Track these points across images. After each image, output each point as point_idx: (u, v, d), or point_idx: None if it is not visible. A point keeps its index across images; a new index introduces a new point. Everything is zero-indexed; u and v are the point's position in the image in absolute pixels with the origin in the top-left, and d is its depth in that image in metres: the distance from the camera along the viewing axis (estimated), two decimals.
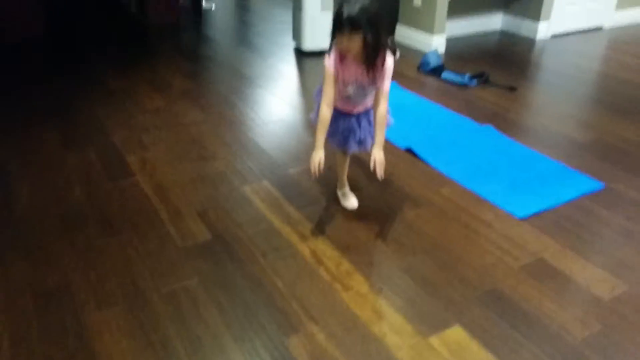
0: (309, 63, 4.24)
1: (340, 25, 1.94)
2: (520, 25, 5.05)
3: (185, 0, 5.77)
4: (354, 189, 2.47)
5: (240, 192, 2.51)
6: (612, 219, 2.38)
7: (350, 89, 2.09)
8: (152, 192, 2.49)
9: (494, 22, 5.17)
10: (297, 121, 3.26)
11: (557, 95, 3.72)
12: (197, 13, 5.45)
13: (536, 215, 2.39)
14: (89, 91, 3.56)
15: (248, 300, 1.89)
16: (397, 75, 3.96)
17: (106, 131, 3.04)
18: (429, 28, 4.46)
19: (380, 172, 2.02)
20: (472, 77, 3.83)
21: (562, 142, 3.06)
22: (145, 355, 1.67)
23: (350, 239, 2.22)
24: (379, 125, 2.08)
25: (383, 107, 2.07)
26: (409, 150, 2.88)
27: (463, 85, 3.80)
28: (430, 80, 3.92)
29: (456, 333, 1.78)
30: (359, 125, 2.20)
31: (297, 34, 4.38)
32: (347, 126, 2.20)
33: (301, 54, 4.36)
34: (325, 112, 2.05)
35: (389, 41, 2.03)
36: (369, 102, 2.16)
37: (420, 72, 4.05)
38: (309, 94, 3.69)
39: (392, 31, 1.90)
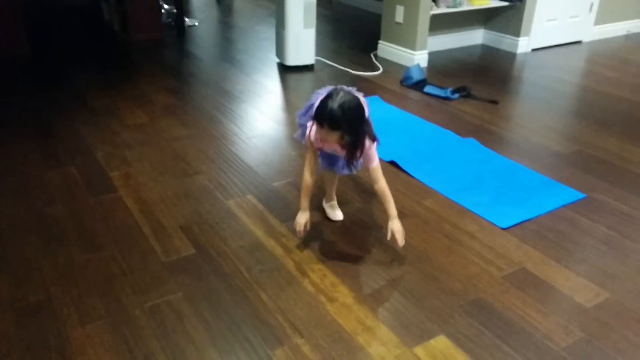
0: (293, 78, 4.27)
1: (321, 120, 1.94)
2: (501, 41, 5.13)
3: (168, 17, 5.78)
4: (339, 202, 2.48)
5: (224, 207, 2.51)
6: (593, 229, 2.41)
7: (333, 152, 2.16)
8: (135, 207, 2.48)
9: (475, 37, 5.25)
10: (281, 136, 3.27)
11: (538, 108, 3.78)
12: (180, 30, 5.46)
13: (518, 225, 2.41)
14: (71, 109, 3.55)
15: (232, 314, 1.88)
16: (380, 89, 4.02)
17: (88, 148, 3.02)
18: (411, 43, 4.51)
19: (401, 242, 2.07)
20: (454, 91, 3.88)
21: (543, 153, 3.10)
22: None
23: (335, 251, 2.22)
24: (386, 200, 2.11)
25: (381, 183, 2.09)
26: (393, 163, 2.90)
27: (445, 99, 3.84)
28: (413, 94, 3.96)
29: (441, 343, 1.78)
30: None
31: (280, 50, 4.41)
32: (333, 158, 2.25)
33: (284, 69, 4.39)
34: (308, 179, 2.12)
35: (367, 134, 2.02)
36: None
37: (403, 86, 4.09)
38: (293, 109, 3.71)
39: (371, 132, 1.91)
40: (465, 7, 4.76)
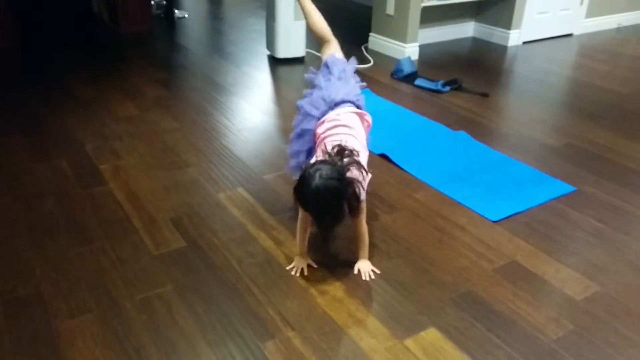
0: (283, 70, 4.25)
1: (301, 203, 1.88)
2: (491, 33, 5.13)
3: (157, 8, 5.74)
4: None
5: (214, 199, 2.50)
6: (583, 221, 2.42)
7: None
8: (125, 200, 2.47)
9: (466, 30, 5.24)
10: (272, 128, 3.26)
11: (528, 101, 3.78)
12: (170, 22, 5.43)
13: (509, 218, 2.42)
14: (60, 101, 3.52)
15: (223, 307, 1.88)
16: (370, 82, 4.01)
17: (78, 140, 3.00)
18: (402, 36, 4.50)
19: (366, 277, 2.04)
20: (445, 84, 3.87)
21: (534, 146, 3.11)
22: None
23: (326, 244, 2.22)
24: (362, 244, 2.07)
25: (363, 229, 2.03)
26: (384, 156, 2.89)
27: (436, 92, 3.84)
28: (404, 87, 3.95)
29: (432, 335, 1.79)
30: None
31: (270, 42, 4.39)
32: None
33: (275, 61, 4.37)
34: (301, 223, 2.04)
35: (354, 204, 1.91)
36: None
37: (394, 79, 4.08)
38: (284, 101, 3.70)
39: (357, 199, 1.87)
40: (456, 0, 4.76)
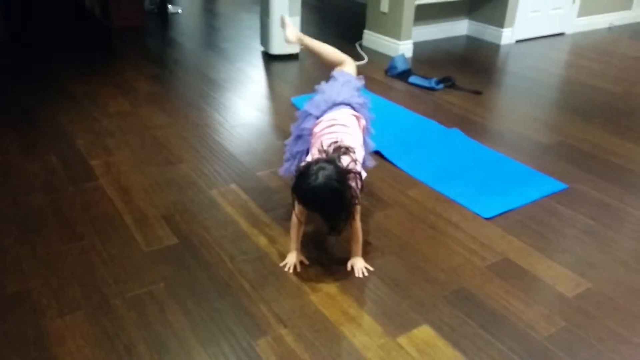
0: (277, 67, 4.24)
1: (297, 198, 1.87)
2: (485, 32, 5.14)
3: (150, 4, 5.71)
4: None
5: (207, 196, 2.48)
6: (575, 219, 2.42)
7: None
8: (116, 196, 2.45)
9: (459, 28, 5.25)
10: (265, 124, 3.25)
11: (521, 99, 3.79)
12: (164, 17, 5.40)
13: (502, 215, 2.42)
14: (51, 96, 3.49)
15: (215, 304, 1.86)
16: (365, 79, 3.98)
17: (69, 136, 2.98)
18: (396, 33, 4.50)
19: (359, 274, 2.04)
20: (438, 81, 3.88)
21: (527, 144, 3.11)
22: None
23: (319, 241, 2.21)
24: (356, 240, 2.06)
25: (355, 224, 2.03)
26: (377, 153, 2.89)
27: (430, 89, 3.84)
28: (398, 84, 3.95)
29: (424, 332, 1.79)
30: None
31: (264, 38, 4.38)
32: None
33: (269, 58, 4.36)
34: (296, 218, 2.03)
35: (350, 207, 1.89)
36: None
37: (388, 76, 4.08)
38: (277, 98, 3.69)
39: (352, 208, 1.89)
40: None
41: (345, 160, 1.86)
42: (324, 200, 1.81)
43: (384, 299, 1.92)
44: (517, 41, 5.13)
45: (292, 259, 2.07)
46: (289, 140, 2.30)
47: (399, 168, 2.77)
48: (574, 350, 1.73)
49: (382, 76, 4.09)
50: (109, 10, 5.00)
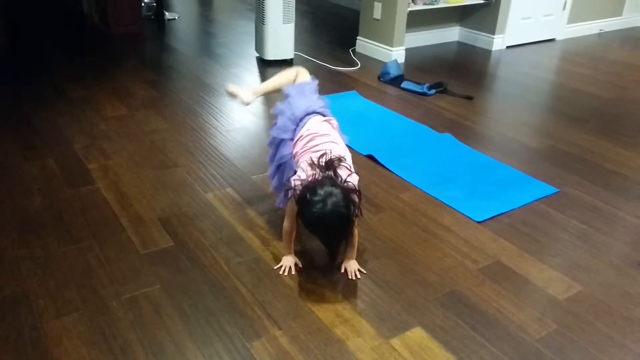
0: (272, 72, 4.24)
1: (307, 227, 1.85)
2: (476, 38, 5.19)
3: (147, 10, 5.73)
4: None
5: (203, 199, 2.50)
6: (566, 222, 2.46)
7: None
8: (113, 199, 2.47)
9: (451, 34, 5.30)
10: (260, 129, 3.27)
11: (512, 104, 3.83)
12: (160, 23, 5.42)
13: (493, 219, 2.45)
14: (49, 100, 3.50)
15: (211, 306, 1.88)
16: (358, 85, 4.04)
17: (67, 140, 2.99)
18: (388, 39, 4.54)
19: (353, 277, 2.05)
20: (431, 87, 3.91)
21: (518, 149, 3.15)
22: None
23: (313, 244, 2.23)
24: (352, 246, 2.06)
25: (353, 229, 2.00)
26: (370, 157, 2.92)
27: (422, 95, 3.88)
28: (391, 90, 3.98)
29: (417, 335, 1.81)
30: None
31: (259, 44, 4.41)
32: None
33: (264, 63, 4.39)
34: (289, 227, 2.04)
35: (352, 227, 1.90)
36: None
37: (381, 81, 4.12)
38: (272, 103, 3.69)
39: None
40: (441, 5, 4.81)
41: (343, 174, 1.85)
42: (330, 227, 1.80)
43: (377, 301, 1.95)
44: (508, 47, 5.18)
45: (286, 261, 2.09)
46: (269, 172, 2.25)
47: (392, 172, 2.80)
48: (565, 353, 1.76)
49: (375, 82, 4.12)
50: (107, 16, 5.02)
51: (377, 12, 4.56)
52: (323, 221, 1.77)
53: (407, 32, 4.62)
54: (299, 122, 2.12)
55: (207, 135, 3.13)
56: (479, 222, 2.42)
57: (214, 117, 3.37)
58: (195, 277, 2.02)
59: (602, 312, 1.94)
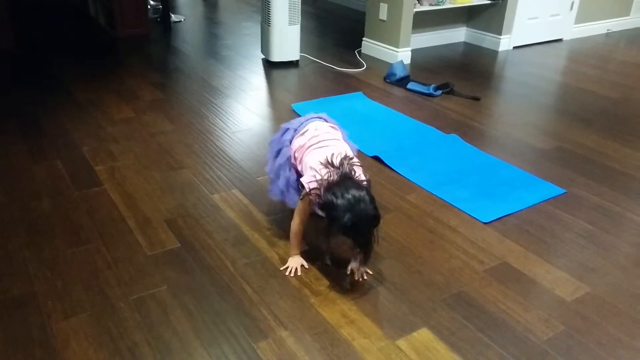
0: (278, 74, 4.27)
1: (345, 235, 1.83)
2: (483, 39, 5.18)
3: (154, 13, 5.76)
4: None
5: (209, 201, 2.51)
6: (573, 223, 2.45)
7: None
8: (120, 201, 2.48)
9: (457, 35, 5.29)
10: (266, 131, 3.28)
11: (519, 105, 3.82)
12: (166, 26, 5.44)
13: (500, 220, 2.44)
14: (56, 103, 3.53)
15: (217, 307, 1.89)
16: (364, 86, 4.04)
17: (74, 142, 3.01)
18: (394, 40, 4.54)
19: (359, 278, 2.04)
20: (437, 88, 3.91)
21: (525, 149, 3.14)
22: None
23: (319, 245, 2.23)
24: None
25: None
26: (377, 158, 2.92)
27: (428, 96, 3.88)
28: (397, 91, 3.98)
29: (423, 336, 1.81)
30: None
31: (265, 46, 4.42)
32: None
33: (269, 65, 4.40)
34: (298, 227, 2.06)
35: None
36: None
37: (387, 82, 4.11)
38: (278, 104, 3.72)
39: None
40: (448, 5, 4.81)
41: (358, 171, 1.90)
42: (366, 230, 1.82)
43: (384, 302, 1.95)
44: (515, 47, 5.17)
45: (293, 262, 2.09)
46: (269, 156, 2.28)
47: (398, 173, 2.80)
48: (572, 354, 1.75)
49: (381, 83, 4.12)
50: (114, 19, 5.05)
51: (383, 13, 4.56)
52: (359, 225, 1.79)
53: (413, 33, 4.62)
54: (304, 121, 2.19)
55: (213, 137, 3.14)
56: (485, 223, 2.41)
57: (220, 119, 3.38)
58: (202, 278, 2.02)
59: (609, 314, 1.93)
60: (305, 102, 3.63)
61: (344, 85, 4.03)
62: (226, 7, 6.58)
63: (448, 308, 1.93)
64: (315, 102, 3.64)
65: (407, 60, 4.57)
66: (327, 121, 2.22)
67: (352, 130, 2.27)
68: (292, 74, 4.26)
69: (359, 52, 4.81)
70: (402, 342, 1.78)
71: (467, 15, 5.24)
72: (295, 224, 2.06)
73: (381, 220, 1.88)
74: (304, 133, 2.13)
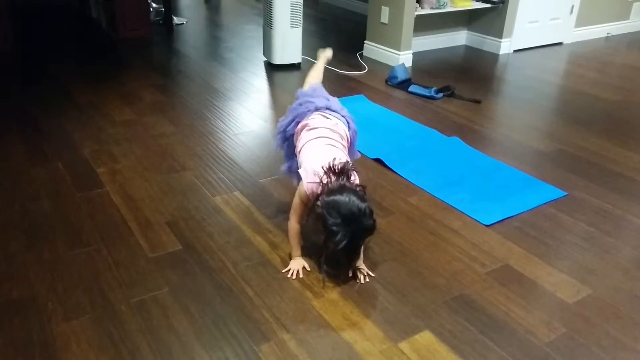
0: (279, 76, 4.28)
1: (339, 242, 1.85)
2: (483, 42, 5.18)
3: (156, 15, 5.76)
4: None
5: (211, 203, 2.51)
6: (574, 226, 2.44)
7: None
8: (122, 203, 2.48)
9: (458, 38, 5.30)
10: (268, 133, 3.28)
11: (520, 108, 3.82)
12: (168, 28, 5.45)
13: (501, 222, 2.44)
14: (58, 105, 3.53)
15: (219, 310, 1.89)
16: (365, 88, 4.04)
17: (75, 144, 3.01)
18: (396, 43, 4.54)
19: (361, 280, 2.06)
20: (438, 91, 3.91)
21: (525, 152, 3.14)
22: None
23: (320, 248, 2.23)
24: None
25: None
26: (378, 161, 2.92)
27: (430, 98, 3.88)
28: (398, 93, 3.99)
29: (425, 338, 1.80)
30: None
31: (267, 49, 4.42)
32: None
33: (271, 68, 4.40)
34: (296, 226, 2.09)
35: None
36: None
37: (388, 85, 4.12)
38: (280, 107, 3.72)
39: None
40: (449, 9, 4.81)
41: (353, 177, 1.92)
42: (361, 242, 1.91)
43: (385, 304, 1.95)
44: (515, 51, 5.17)
45: (294, 265, 2.09)
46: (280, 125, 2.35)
47: (399, 176, 2.80)
48: (574, 357, 1.75)
49: (383, 85, 4.12)
50: (116, 21, 5.06)
51: (385, 17, 4.56)
52: (355, 239, 1.85)
53: (414, 36, 4.62)
54: (332, 110, 2.23)
55: (215, 139, 3.14)
56: (487, 226, 2.41)
57: (222, 121, 3.38)
58: (203, 280, 2.02)
59: (611, 316, 1.93)
60: None
61: (345, 88, 4.03)
62: (228, 10, 6.59)
63: (450, 310, 1.92)
64: None
65: (408, 63, 4.57)
66: (338, 111, 2.25)
67: None
68: (294, 77, 4.27)
69: (361, 55, 4.82)
70: (404, 345, 1.77)
71: (468, 19, 5.25)
72: (292, 223, 2.08)
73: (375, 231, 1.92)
74: (319, 117, 2.17)
